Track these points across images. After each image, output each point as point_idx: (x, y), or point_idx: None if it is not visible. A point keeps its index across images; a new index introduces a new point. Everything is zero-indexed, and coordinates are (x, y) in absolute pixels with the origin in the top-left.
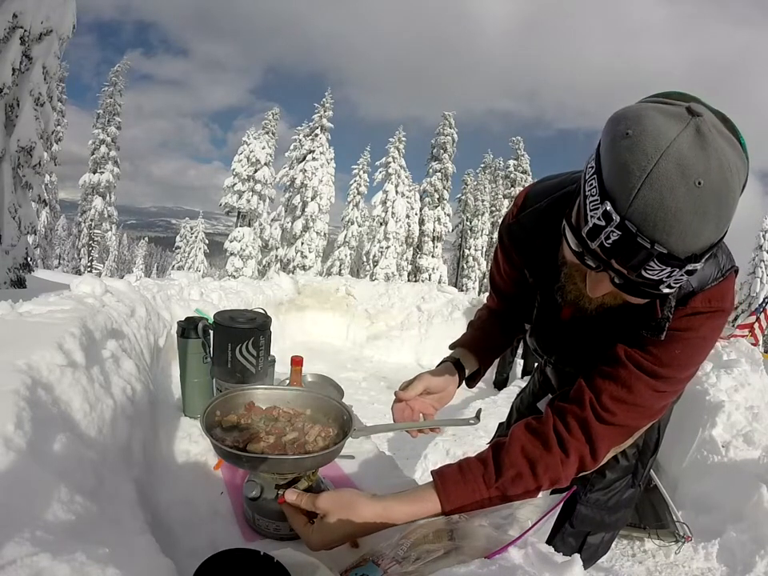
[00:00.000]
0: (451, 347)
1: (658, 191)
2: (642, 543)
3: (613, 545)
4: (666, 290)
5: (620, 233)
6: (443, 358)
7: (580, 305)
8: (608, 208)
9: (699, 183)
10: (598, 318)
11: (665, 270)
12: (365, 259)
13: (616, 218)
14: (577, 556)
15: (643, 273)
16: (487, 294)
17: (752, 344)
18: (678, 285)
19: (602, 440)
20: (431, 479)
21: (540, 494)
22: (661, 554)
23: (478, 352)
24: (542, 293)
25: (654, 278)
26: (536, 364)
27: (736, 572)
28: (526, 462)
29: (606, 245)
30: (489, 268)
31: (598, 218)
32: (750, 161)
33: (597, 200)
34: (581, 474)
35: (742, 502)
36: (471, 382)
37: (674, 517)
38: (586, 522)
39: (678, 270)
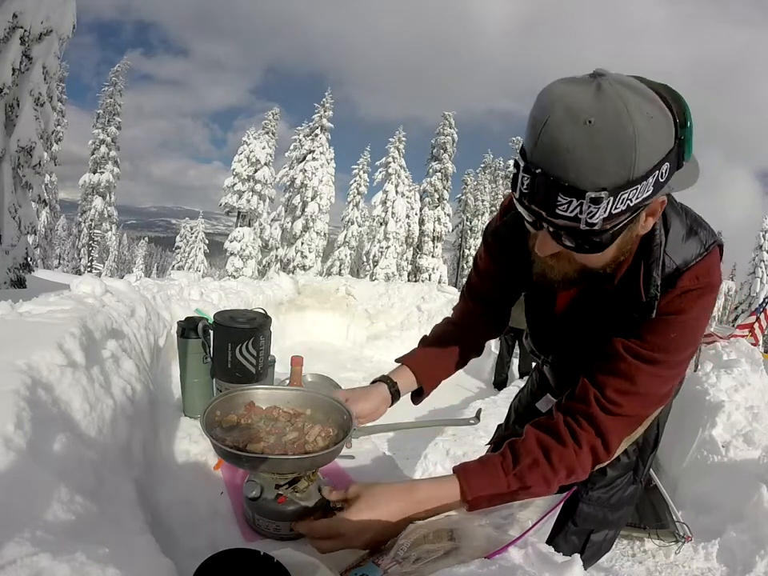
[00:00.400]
0: (397, 360)
1: (552, 134)
2: (642, 543)
3: (613, 546)
4: (586, 227)
5: (529, 176)
6: (377, 377)
7: (548, 278)
8: (518, 158)
9: (589, 122)
10: (589, 311)
11: (573, 203)
12: (365, 259)
13: (523, 164)
14: (577, 556)
15: (557, 211)
16: None
17: (752, 344)
18: (595, 219)
19: (612, 432)
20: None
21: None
22: (661, 554)
23: (421, 372)
24: (531, 292)
25: (569, 214)
26: (533, 364)
27: (736, 572)
28: (540, 450)
29: (524, 191)
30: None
31: (514, 168)
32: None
33: (517, 157)
34: (597, 468)
35: (741, 502)
36: (416, 398)
37: (674, 517)
38: (588, 520)
39: (584, 201)
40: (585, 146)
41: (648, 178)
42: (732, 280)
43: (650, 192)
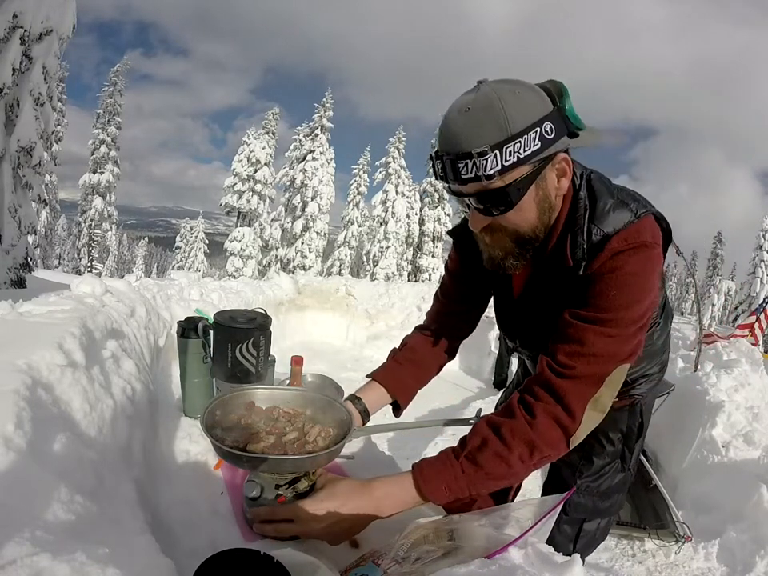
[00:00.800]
0: (368, 376)
1: (446, 125)
2: (642, 543)
3: (613, 545)
4: (488, 179)
5: (439, 161)
6: (348, 396)
7: (494, 259)
8: (432, 155)
9: (467, 110)
10: (541, 289)
11: (468, 164)
12: (365, 259)
13: (434, 155)
14: (577, 556)
15: (462, 176)
16: None
17: (752, 344)
18: (491, 171)
19: (570, 395)
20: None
21: (528, 471)
22: (661, 554)
23: (393, 387)
24: (494, 283)
25: (471, 174)
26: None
27: (736, 572)
28: (489, 428)
29: (440, 174)
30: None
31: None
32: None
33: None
34: (573, 441)
35: (742, 502)
36: (396, 411)
37: (674, 517)
38: (579, 509)
39: (475, 158)
40: (466, 123)
41: (528, 133)
42: (732, 280)
43: (538, 146)
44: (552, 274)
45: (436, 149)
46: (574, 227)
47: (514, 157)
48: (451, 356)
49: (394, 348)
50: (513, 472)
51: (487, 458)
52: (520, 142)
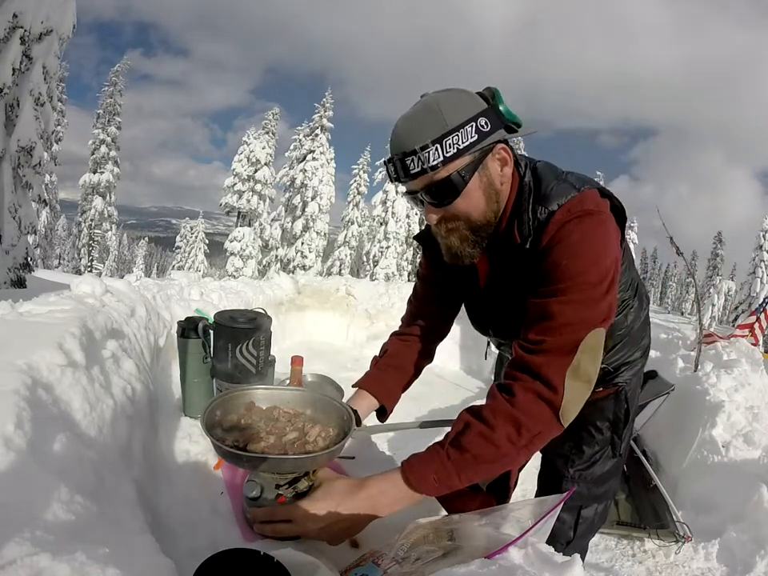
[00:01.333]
0: (354, 386)
1: (394, 133)
2: (642, 543)
3: (613, 545)
4: (433, 170)
5: (391, 164)
6: None
7: (452, 250)
8: (384, 161)
9: (408, 116)
10: (503, 276)
11: (414, 159)
12: (365, 259)
13: (387, 160)
14: (577, 556)
15: (411, 171)
16: None
17: (752, 344)
18: (435, 162)
19: (546, 369)
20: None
21: (521, 452)
22: (661, 554)
23: (380, 394)
24: (462, 281)
25: (417, 169)
26: None
27: (736, 572)
28: (470, 414)
29: (393, 175)
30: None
31: (386, 171)
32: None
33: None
34: (563, 415)
35: (742, 502)
36: (381, 417)
37: (674, 517)
38: (575, 497)
39: (419, 153)
40: (409, 126)
41: (465, 127)
42: (732, 280)
43: (476, 137)
44: (506, 256)
45: (388, 155)
46: (520, 208)
47: (453, 148)
48: (429, 359)
49: (375, 356)
50: (502, 453)
51: (471, 440)
52: (458, 134)
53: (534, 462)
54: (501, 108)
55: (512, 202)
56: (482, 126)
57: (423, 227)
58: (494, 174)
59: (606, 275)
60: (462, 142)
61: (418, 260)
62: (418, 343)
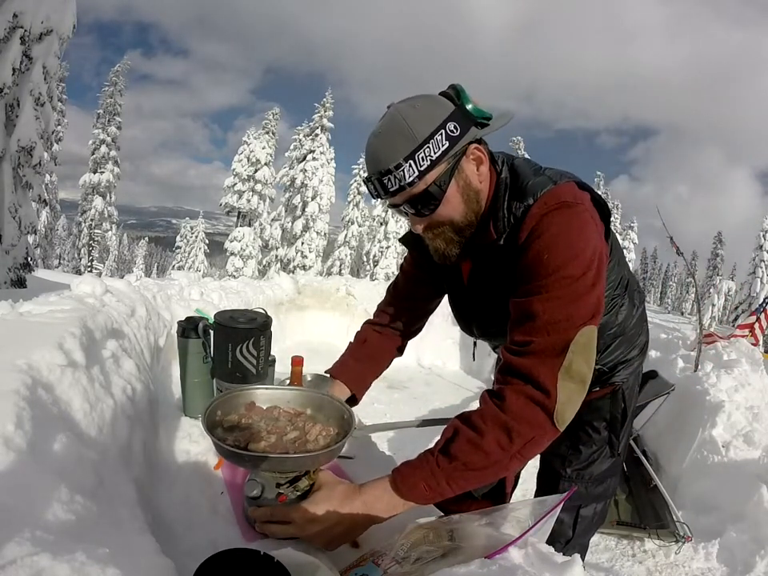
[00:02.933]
0: (327, 372)
1: (366, 151)
2: (642, 543)
3: (613, 545)
4: (410, 186)
5: (370, 183)
6: None
7: (439, 251)
8: (363, 181)
9: (379, 134)
10: (485, 274)
11: (391, 179)
12: (365, 259)
13: (365, 181)
14: (577, 556)
15: (390, 189)
16: None
17: (752, 344)
18: (411, 178)
19: (537, 371)
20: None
21: (514, 459)
22: (661, 554)
23: (351, 382)
24: (446, 279)
25: (396, 187)
26: None
27: (736, 572)
28: (459, 421)
29: (374, 194)
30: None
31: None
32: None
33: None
34: (558, 417)
35: (742, 502)
36: (350, 403)
37: (674, 517)
38: (574, 496)
39: (393, 173)
40: (380, 144)
41: (434, 137)
42: (732, 280)
43: (447, 144)
44: (484, 254)
45: (366, 174)
46: (495, 205)
47: (426, 161)
48: (401, 353)
49: (351, 343)
50: (493, 460)
51: (460, 448)
52: (429, 146)
53: (535, 462)
54: (468, 107)
55: (490, 200)
56: (452, 131)
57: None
58: (470, 175)
59: (589, 267)
60: (434, 153)
61: (401, 265)
62: (394, 337)
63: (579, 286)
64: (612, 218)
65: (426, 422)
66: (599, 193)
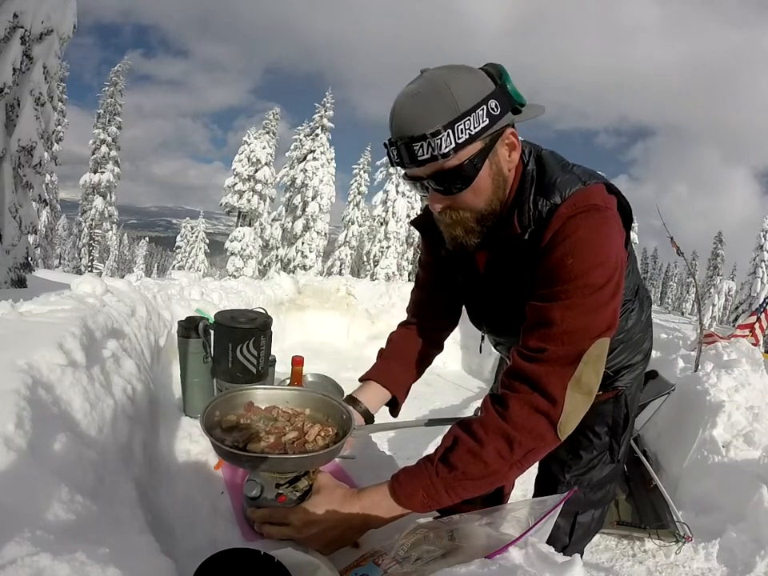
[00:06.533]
0: (360, 380)
1: (397, 113)
2: (642, 543)
3: (613, 545)
4: (444, 158)
5: (394, 147)
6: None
7: (456, 238)
8: (386, 143)
9: (416, 94)
10: (502, 268)
11: (423, 145)
12: (365, 259)
13: (388, 143)
14: (577, 556)
15: (419, 158)
16: None
17: (752, 344)
18: (446, 149)
19: (546, 380)
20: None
21: (513, 468)
22: (661, 554)
23: (391, 385)
24: (460, 269)
25: (427, 156)
26: None
27: (736, 572)
28: (460, 428)
29: (396, 160)
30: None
31: (387, 154)
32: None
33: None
34: (561, 428)
35: (742, 502)
36: (393, 410)
37: (674, 517)
38: (571, 502)
39: (429, 139)
40: (415, 107)
41: (476, 110)
42: (732, 280)
43: (487, 122)
44: (504, 246)
45: (389, 137)
46: (521, 198)
47: (465, 134)
48: (439, 348)
49: (382, 348)
50: (492, 470)
51: (460, 457)
52: (470, 119)
53: (534, 464)
54: (508, 88)
55: (515, 190)
56: (493, 110)
57: (421, 211)
58: (502, 160)
59: (612, 277)
60: (474, 128)
61: (419, 257)
62: (425, 332)
63: (600, 296)
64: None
65: (426, 422)
66: (626, 197)
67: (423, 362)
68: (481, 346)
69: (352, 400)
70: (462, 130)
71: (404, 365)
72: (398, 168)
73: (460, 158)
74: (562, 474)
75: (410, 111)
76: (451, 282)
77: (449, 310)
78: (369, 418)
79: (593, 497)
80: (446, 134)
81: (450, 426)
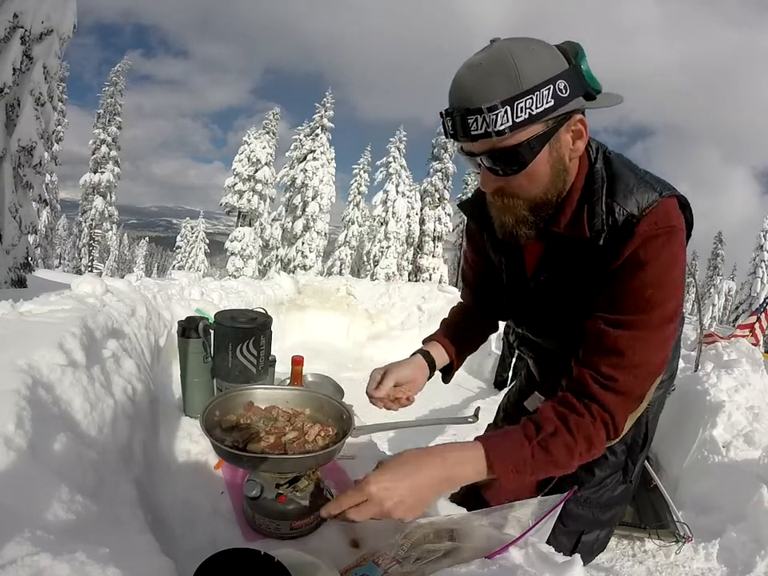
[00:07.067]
0: (424, 342)
1: (457, 82)
2: (642, 543)
3: (613, 545)
4: (498, 135)
5: (449, 117)
6: (414, 351)
7: (506, 227)
8: (442, 113)
9: (479, 65)
10: (555, 268)
11: (478, 119)
12: (365, 259)
13: (445, 113)
14: (577, 556)
15: (472, 132)
16: None
17: (752, 344)
18: (502, 126)
19: (616, 410)
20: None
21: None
22: (661, 554)
23: (449, 346)
24: (505, 262)
25: (480, 131)
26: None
27: (736, 572)
28: (558, 418)
29: (451, 131)
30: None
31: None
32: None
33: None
34: (607, 445)
35: (742, 502)
36: (446, 376)
37: (674, 517)
38: (579, 520)
39: (485, 113)
40: (476, 78)
41: (541, 90)
42: (732, 280)
43: (551, 103)
44: (568, 249)
45: (447, 107)
46: (591, 198)
47: (525, 113)
48: (494, 327)
49: (444, 318)
50: (571, 465)
51: (557, 447)
52: (532, 98)
53: None
54: (583, 69)
55: (580, 187)
56: (561, 91)
57: (471, 194)
58: (564, 147)
59: (677, 309)
60: (536, 108)
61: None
62: (481, 315)
63: (668, 329)
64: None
65: (426, 422)
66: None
67: (480, 337)
68: (512, 359)
69: (426, 354)
70: (521, 108)
71: (466, 337)
72: (452, 140)
73: (517, 138)
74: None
75: (468, 81)
76: (494, 280)
77: (494, 309)
78: (432, 369)
79: (601, 516)
80: (503, 110)
81: (451, 424)
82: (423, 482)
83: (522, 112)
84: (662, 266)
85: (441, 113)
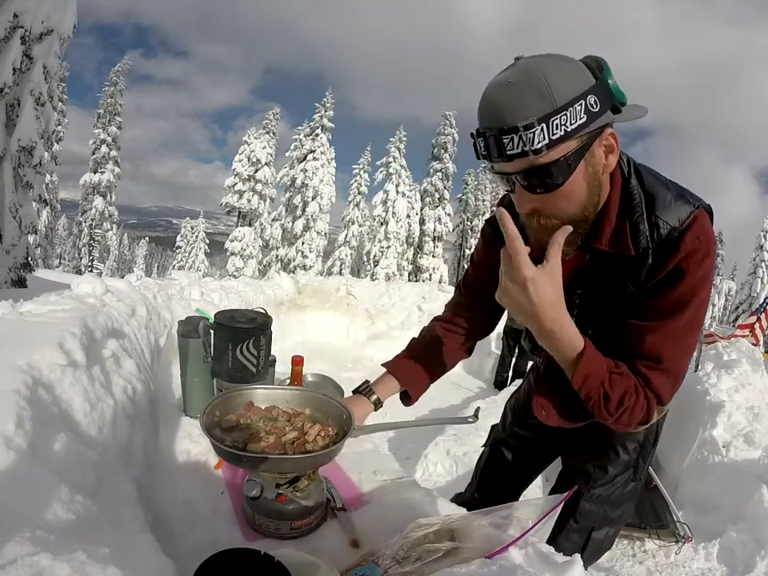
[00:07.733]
0: (383, 365)
1: (487, 102)
2: (643, 543)
3: (613, 545)
4: (535, 153)
5: (482, 138)
6: (357, 387)
7: (541, 243)
8: (473, 134)
9: (509, 83)
10: (590, 284)
11: (514, 138)
12: (365, 259)
13: (476, 134)
14: (577, 556)
15: (508, 152)
16: None
17: (752, 344)
18: (539, 145)
19: (660, 387)
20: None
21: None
22: (661, 554)
23: (405, 379)
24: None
25: (517, 150)
26: (530, 363)
27: (736, 572)
28: (634, 372)
29: (483, 153)
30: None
31: (474, 145)
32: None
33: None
34: (654, 416)
35: (742, 502)
36: (405, 401)
37: (674, 517)
38: (590, 517)
39: (521, 132)
40: (508, 97)
41: (574, 105)
42: (732, 280)
43: (584, 119)
44: (609, 265)
45: (477, 127)
46: (632, 215)
47: (561, 130)
48: (466, 353)
49: (414, 338)
50: (612, 412)
51: (619, 385)
52: (566, 114)
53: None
54: (610, 83)
55: (617, 201)
56: (592, 106)
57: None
58: (598, 162)
59: (704, 318)
60: (571, 124)
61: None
62: (459, 335)
63: (696, 334)
64: None
65: (426, 422)
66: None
67: (448, 365)
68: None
69: (367, 389)
70: (557, 125)
71: (428, 367)
72: (483, 160)
73: (552, 156)
74: (586, 487)
75: (501, 100)
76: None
77: (487, 317)
78: (378, 406)
79: (611, 514)
80: (539, 128)
81: (451, 424)
82: (536, 307)
83: (557, 129)
84: (701, 278)
85: (471, 133)
